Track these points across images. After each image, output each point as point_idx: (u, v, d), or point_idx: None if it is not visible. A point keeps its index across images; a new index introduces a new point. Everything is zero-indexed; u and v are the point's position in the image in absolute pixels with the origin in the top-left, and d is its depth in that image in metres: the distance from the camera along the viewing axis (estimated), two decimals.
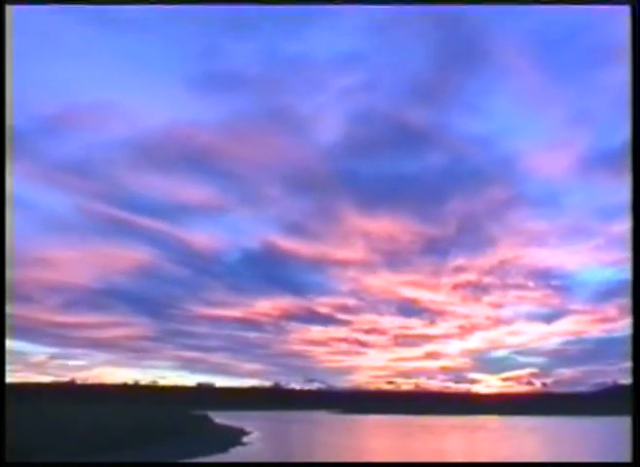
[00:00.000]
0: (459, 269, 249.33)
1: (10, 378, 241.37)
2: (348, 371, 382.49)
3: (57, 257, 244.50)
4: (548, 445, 55.75)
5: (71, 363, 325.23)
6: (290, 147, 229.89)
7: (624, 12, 15.45)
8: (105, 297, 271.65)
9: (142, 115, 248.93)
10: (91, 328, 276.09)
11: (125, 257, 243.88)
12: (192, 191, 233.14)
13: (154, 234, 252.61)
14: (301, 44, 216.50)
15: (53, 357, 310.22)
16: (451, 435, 72.77)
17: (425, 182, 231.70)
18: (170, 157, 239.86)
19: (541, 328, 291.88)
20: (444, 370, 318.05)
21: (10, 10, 14.35)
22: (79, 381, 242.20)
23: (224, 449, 44.57)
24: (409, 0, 49.55)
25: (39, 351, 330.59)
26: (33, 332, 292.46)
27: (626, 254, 15.00)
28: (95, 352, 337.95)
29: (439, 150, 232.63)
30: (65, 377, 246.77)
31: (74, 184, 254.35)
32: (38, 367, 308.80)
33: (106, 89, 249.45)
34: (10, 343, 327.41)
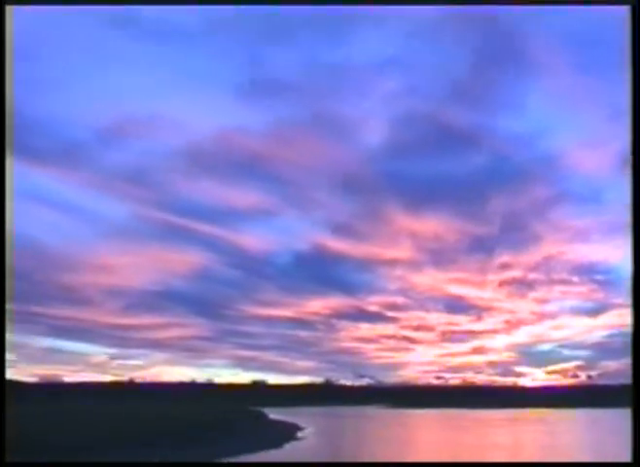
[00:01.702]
0: (505, 266, 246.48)
1: (72, 378, 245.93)
2: (397, 366, 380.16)
3: (116, 262, 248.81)
4: (604, 435, 54.66)
5: (130, 363, 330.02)
6: (336, 150, 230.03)
7: None
8: (162, 299, 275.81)
9: (193, 123, 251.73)
10: (149, 329, 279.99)
11: (181, 260, 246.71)
12: (243, 195, 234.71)
13: (207, 238, 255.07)
14: (343, 50, 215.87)
15: (112, 357, 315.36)
16: (503, 427, 71.84)
17: (469, 181, 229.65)
18: (221, 163, 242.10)
19: (585, 321, 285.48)
20: (490, 364, 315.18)
21: (10, 10, 14.14)
22: (138, 380, 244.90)
23: (279, 444, 44.49)
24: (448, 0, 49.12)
25: (99, 352, 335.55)
26: (94, 333, 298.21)
27: None
28: (153, 352, 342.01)
29: (481, 150, 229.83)
30: (124, 377, 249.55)
31: (130, 191, 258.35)
32: (99, 367, 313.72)
33: (158, 100, 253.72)
34: (71, 345, 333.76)
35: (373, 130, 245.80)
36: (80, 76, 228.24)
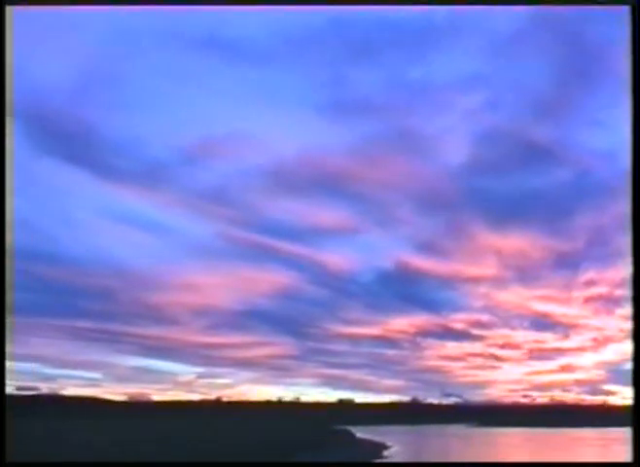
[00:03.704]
0: (590, 283, 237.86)
1: (161, 397, 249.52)
2: (484, 385, 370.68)
3: (201, 281, 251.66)
4: None
5: (217, 381, 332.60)
6: (418, 168, 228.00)
7: None
8: (247, 318, 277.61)
9: (275, 143, 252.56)
10: (236, 348, 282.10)
11: (265, 279, 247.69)
12: (325, 214, 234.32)
13: (291, 257, 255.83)
14: (423, 67, 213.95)
15: (200, 376, 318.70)
16: (596, 447, 68.76)
17: (552, 197, 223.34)
18: (304, 182, 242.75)
19: None
20: (578, 382, 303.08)
21: (10, 10, 14.16)
22: (225, 399, 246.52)
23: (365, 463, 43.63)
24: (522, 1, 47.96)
25: (187, 371, 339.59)
26: (181, 352, 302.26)
27: None
28: (240, 371, 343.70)
29: (564, 165, 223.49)
30: (212, 395, 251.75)
31: (215, 211, 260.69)
32: (186, 386, 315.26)
33: (241, 120, 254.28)
34: (160, 364, 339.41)
35: (456, 147, 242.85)
36: (162, 97, 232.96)
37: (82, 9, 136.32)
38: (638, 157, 14.28)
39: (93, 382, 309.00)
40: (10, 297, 14.85)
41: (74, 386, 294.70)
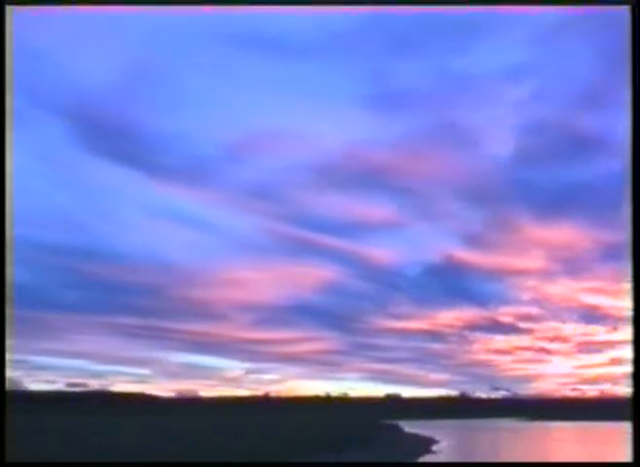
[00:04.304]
0: None
1: (208, 393, 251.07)
2: (533, 378, 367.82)
3: (247, 277, 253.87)
4: None
5: (265, 377, 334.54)
6: (464, 160, 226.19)
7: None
8: (294, 313, 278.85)
9: (319, 138, 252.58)
10: (283, 343, 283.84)
11: (311, 274, 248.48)
12: (371, 208, 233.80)
13: (337, 252, 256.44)
14: (468, 58, 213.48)
15: (247, 372, 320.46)
16: None
17: (600, 188, 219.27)
18: (348, 176, 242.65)
19: None
20: (629, 375, 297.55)
21: (10, 10, 13.78)
22: (273, 394, 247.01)
23: (414, 457, 43.05)
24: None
25: (234, 367, 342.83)
26: (228, 348, 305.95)
27: None
28: (287, 366, 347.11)
29: (611, 155, 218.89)
30: (259, 391, 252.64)
31: (260, 207, 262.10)
32: (234, 381, 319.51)
33: (284, 116, 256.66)
34: (207, 360, 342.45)
35: (502, 139, 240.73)
36: (207, 94, 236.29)
37: (124, 10, 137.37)
38: (638, 157, 13.99)
39: (142, 379, 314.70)
40: (10, 294, 14.59)
41: (123, 382, 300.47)
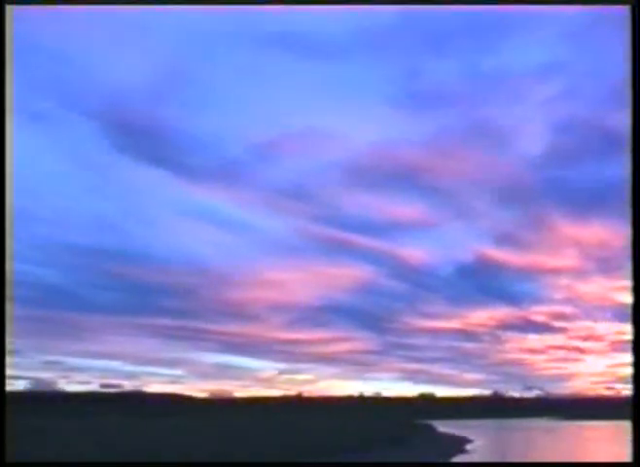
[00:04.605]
0: None
1: (242, 393, 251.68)
2: (567, 378, 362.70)
3: (280, 277, 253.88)
4: None
5: (298, 377, 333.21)
6: (496, 159, 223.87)
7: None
8: (327, 313, 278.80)
9: (350, 137, 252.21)
10: (316, 343, 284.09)
11: (344, 275, 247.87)
12: (403, 208, 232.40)
13: (370, 252, 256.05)
14: (499, 57, 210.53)
15: (281, 372, 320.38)
16: None
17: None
18: (380, 175, 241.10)
19: None
20: None
21: (10, 10, 13.89)
22: (306, 395, 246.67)
23: (447, 457, 43.04)
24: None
25: (268, 367, 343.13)
26: (261, 349, 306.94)
27: None
28: (321, 366, 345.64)
29: None
30: (293, 391, 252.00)
31: (291, 207, 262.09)
32: (267, 382, 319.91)
33: (315, 116, 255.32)
34: (240, 360, 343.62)
35: (534, 137, 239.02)
36: (238, 95, 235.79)
37: (154, 10, 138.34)
38: (638, 156, 13.98)
39: (175, 379, 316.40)
40: (10, 293, 14.67)
41: (156, 383, 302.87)
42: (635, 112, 14.19)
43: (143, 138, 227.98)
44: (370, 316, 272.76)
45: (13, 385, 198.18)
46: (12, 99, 15.68)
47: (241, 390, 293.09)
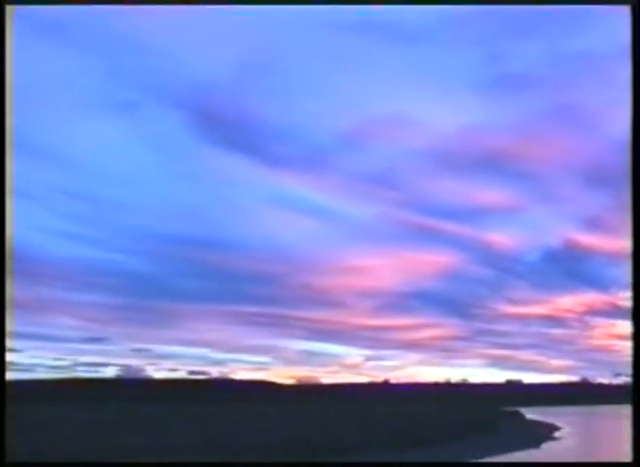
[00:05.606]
0: None
1: (329, 379, 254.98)
2: None
3: (366, 264, 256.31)
4: None
5: (384, 364, 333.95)
6: (582, 143, 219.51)
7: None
8: (413, 300, 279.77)
9: (434, 123, 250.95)
10: (402, 330, 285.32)
11: (430, 260, 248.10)
12: (488, 192, 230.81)
13: (455, 237, 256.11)
14: (584, 40, 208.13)
15: (367, 359, 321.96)
16: None
17: None
18: (465, 161, 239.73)
19: None
20: None
21: (10, 10, 14.86)
22: (392, 381, 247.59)
23: (537, 444, 44.07)
24: None
25: (354, 353, 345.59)
26: (347, 335, 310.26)
27: None
28: (407, 353, 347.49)
29: None
30: (379, 378, 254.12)
31: (377, 193, 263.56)
32: (354, 368, 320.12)
33: (399, 102, 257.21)
34: (326, 347, 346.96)
35: (620, 120, 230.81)
36: (320, 82, 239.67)
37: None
38: (638, 155, 14.17)
39: (262, 366, 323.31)
40: (10, 292, 15.01)
41: (243, 370, 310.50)
42: (635, 112, 14.33)
43: (229, 128, 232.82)
44: (456, 302, 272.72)
45: (102, 372, 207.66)
46: (12, 99, 15.72)
47: (328, 376, 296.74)
